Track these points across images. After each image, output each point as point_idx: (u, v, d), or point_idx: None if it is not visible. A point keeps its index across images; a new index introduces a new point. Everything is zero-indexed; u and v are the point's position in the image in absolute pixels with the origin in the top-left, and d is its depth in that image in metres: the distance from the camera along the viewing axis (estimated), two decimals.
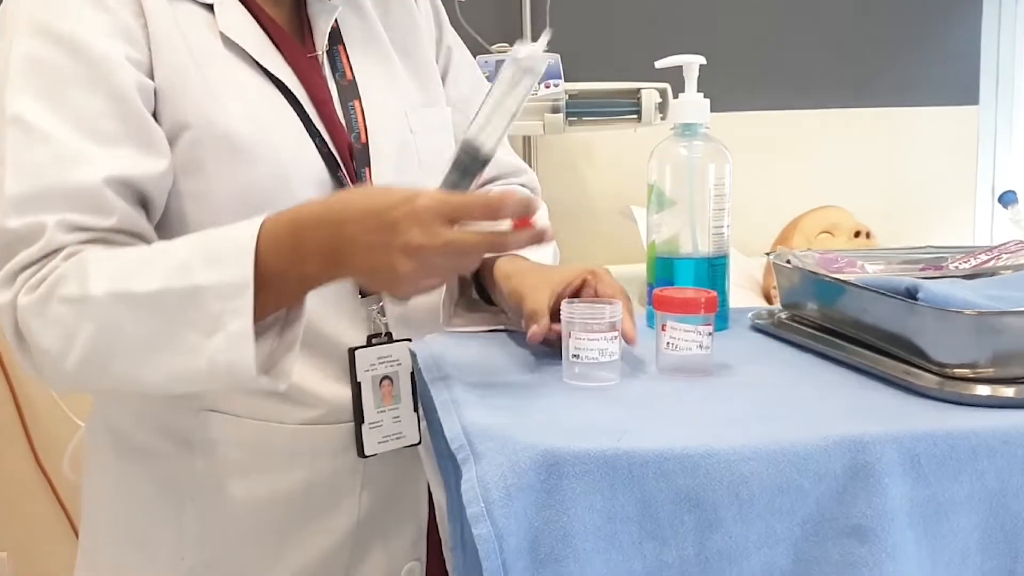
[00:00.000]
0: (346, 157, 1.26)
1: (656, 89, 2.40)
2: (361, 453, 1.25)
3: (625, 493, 0.84)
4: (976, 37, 2.92)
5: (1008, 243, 1.27)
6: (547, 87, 2.36)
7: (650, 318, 1.21)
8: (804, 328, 1.18)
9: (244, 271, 1.03)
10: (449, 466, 1.03)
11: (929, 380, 0.98)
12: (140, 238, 1.15)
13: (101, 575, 1.34)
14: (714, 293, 1.08)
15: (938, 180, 2.90)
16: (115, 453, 1.30)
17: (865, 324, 1.08)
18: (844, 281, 1.13)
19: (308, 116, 1.24)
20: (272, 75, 1.22)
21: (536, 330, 1.10)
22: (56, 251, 1.10)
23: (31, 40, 1.14)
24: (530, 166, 2.18)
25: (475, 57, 1.56)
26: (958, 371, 0.97)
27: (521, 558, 0.84)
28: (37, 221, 1.09)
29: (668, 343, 1.06)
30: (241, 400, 1.23)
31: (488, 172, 1.45)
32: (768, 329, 1.23)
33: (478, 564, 0.84)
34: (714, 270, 1.23)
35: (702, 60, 1.27)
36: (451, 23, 1.49)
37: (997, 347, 0.96)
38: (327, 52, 1.29)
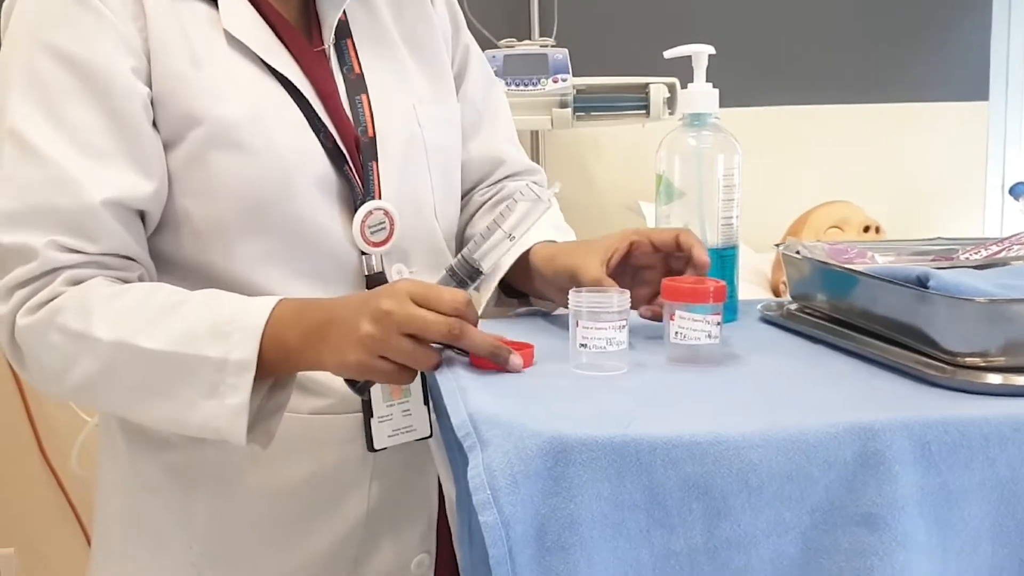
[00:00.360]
0: (352, 151, 1.26)
1: (664, 84, 2.39)
2: (371, 447, 1.24)
3: (633, 480, 0.84)
4: (986, 33, 2.91)
5: (1019, 234, 1.26)
6: (555, 82, 2.35)
7: None
8: (814, 319, 1.17)
9: (249, 353, 1.09)
10: (458, 458, 1.02)
11: (940, 369, 0.97)
12: (133, 261, 1.19)
13: (113, 566, 1.34)
14: (723, 282, 1.08)
15: (948, 176, 2.89)
16: (127, 444, 1.30)
17: (875, 314, 1.07)
18: (854, 270, 1.12)
19: (313, 110, 1.24)
20: (276, 71, 1.23)
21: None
22: (54, 271, 1.14)
23: (31, 53, 1.16)
24: (537, 161, 2.19)
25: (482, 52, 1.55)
26: (969, 360, 0.96)
27: (528, 546, 0.83)
28: (27, 240, 1.13)
29: (677, 332, 1.05)
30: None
31: (501, 171, 1.47)
32: (777, 320, 1.22)
33: (485, 553, 0.83)
34: (723, 261, 1.23)
35: (711, 50, 1.26)
36: None
37: (1009, 335, 0.95)
38: (335, 46, 1.29)
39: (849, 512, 0.85)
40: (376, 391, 1.22)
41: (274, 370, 1.12)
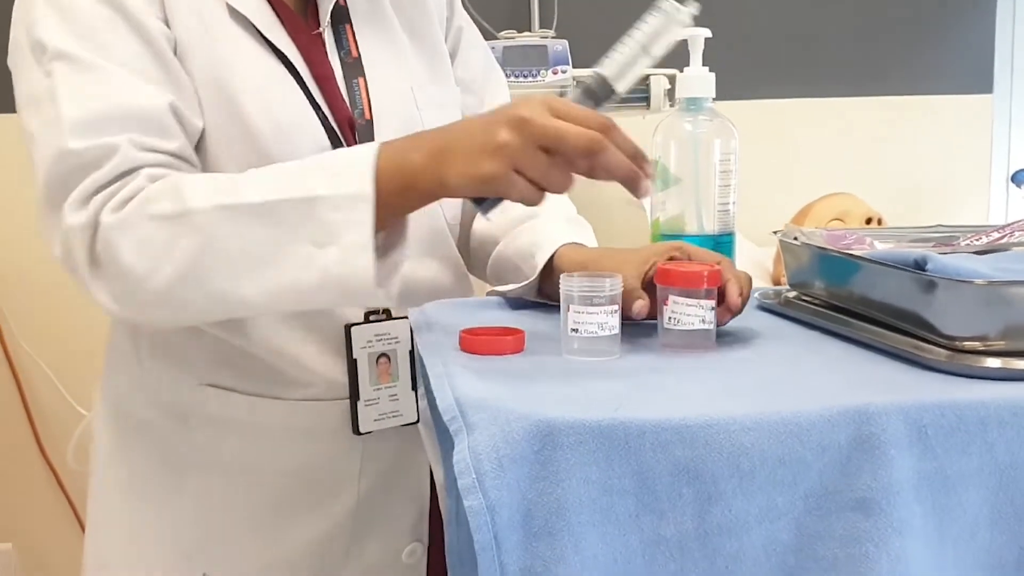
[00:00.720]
0: (347, 133, 1.25)
1: (665, 75, 2.37)
2: (356, 430, 1.23)
3: (622, 465, 0.81)
4: (990, 26, 2.89)
5: (1021, 220, 1.24)
6: (555, 73, 2.34)
7: None
8: (812, 306, 1.15)
9: (364, 184, 1.02)
10: (447, 444, 1.00)
11: (938, 353, 0.95)
12: (196, 168, 1.16)
13: (104, 557, 1.34)
14: (718, 267, 1.06)
15: (952, 169, 2.87)
16: (117, 431, 1.30)
17: (873, 300, 1.05)
18: (852, 255, 1.10)
19: (310, 91, 1.23)
20: (277, 49, 1.22)
21: (642, 303, 1.07)
22: (133, 170, 1.09)
23: None
24: None
25: None
26: (968, 344, 0.94)
27: (514, 531, 0.81)
28: (106, 142, 1.09)
29: (671, 317, 1.03)
30: (237, 375, 1.22)
31: None
32: (774, 308, 1.20)
33: (470, 538, 0.81)
34: (720, 248, 1.21)
35: (707, 33, 1.25)
36: None
37: (1008, 319, 0.93)
38: (334, 30, 1.28)
39: (844, 497, 0.83)
40: (363, 374, 1.20)
41: (390, 206, 1.04)
